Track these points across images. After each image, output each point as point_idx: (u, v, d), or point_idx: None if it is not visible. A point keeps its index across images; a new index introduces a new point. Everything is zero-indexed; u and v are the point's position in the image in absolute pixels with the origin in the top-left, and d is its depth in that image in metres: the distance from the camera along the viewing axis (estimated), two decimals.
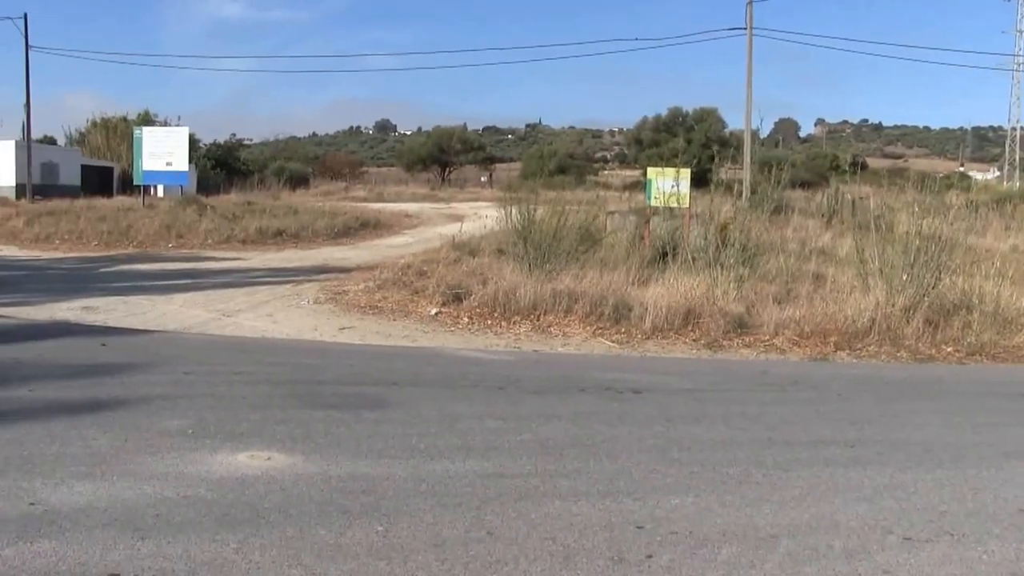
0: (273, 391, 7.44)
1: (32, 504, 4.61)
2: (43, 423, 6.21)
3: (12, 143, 52.76)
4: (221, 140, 76.82)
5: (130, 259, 21.12)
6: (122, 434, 5.96)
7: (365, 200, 43.68)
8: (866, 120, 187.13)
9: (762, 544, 4.43)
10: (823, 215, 28.26)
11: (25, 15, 48.36)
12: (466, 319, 12.33)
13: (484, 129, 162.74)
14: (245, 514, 4.53)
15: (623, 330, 11.80)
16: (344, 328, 11.61)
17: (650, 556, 4.22)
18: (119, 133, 64.24)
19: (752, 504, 5.01)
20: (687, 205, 18.28)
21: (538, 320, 12.19)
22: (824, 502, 5.10)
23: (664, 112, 74.88)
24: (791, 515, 4.87)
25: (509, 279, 13.26)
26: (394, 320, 12.30)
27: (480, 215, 27.94)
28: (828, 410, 7.85)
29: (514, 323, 12.12)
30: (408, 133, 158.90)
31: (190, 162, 35.85)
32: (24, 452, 5.51)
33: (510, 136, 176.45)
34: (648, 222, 18.43)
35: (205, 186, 53.47)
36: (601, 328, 11.89)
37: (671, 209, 18.71)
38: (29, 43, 48.20)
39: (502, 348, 10.78)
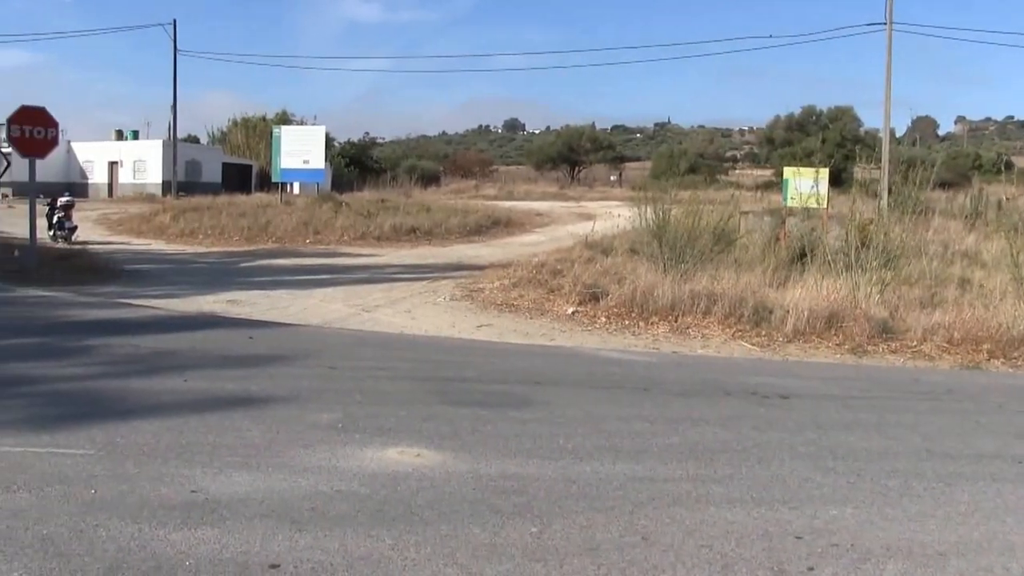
0: (418, 387, 7.49)
1: (194, 492, 4.72)
2: (199, 413, 6.39)
3: (160, 142, 55.02)
4: (355, 139, 78.54)
5: (270, 254, 21.71)
6: (274, 426, 6.07)
7: (495, 198, 43.97)
8: (1011, 117, 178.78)
9: (930, 562, 4.20)
10: (966, 217, 27.12)
11: (174, 21, 50.43)
12: (603, 319, 12.23)
13: (612, 128, 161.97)
14: (399, 510, 4.53)
15: (763, 333, 11.52)
16: (482, 325, 11.65)
17: (811, 569, 4.05)
18: (258, 132, 66.14)
19: (915, 519, 4.77)
20: (826, 206, 17.80)
21: (676, 321, 12.00)
22: (994, 520, 4.81)
23: (797, 111, 73.11)
24: (959, 532, 4.61)
25: (646, 279, 13.10)
26: (531, 318, 12.29)
27: (611, 214, 27.78)
28: (989, 422, 7.45)
29: (652, 324, 11.96)
30: (536, 132, 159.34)
31: (325, 160, 36.65)
32: (183, 440, 5.67)
33: (638, 135, 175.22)
34: (784, 222, 18.01)
35: (339, 184, 54.64)
36: (741, 330, 11.64)
37: (808, 210, 18.25)
38: (177, 47, 50.16)
39: (641, 349, 10.64)
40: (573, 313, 12.51)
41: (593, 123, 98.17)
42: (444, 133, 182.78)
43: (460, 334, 11.04)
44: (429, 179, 61.86)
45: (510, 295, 13.80)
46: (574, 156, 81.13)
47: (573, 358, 9.74)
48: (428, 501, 4.67)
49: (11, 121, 16.72)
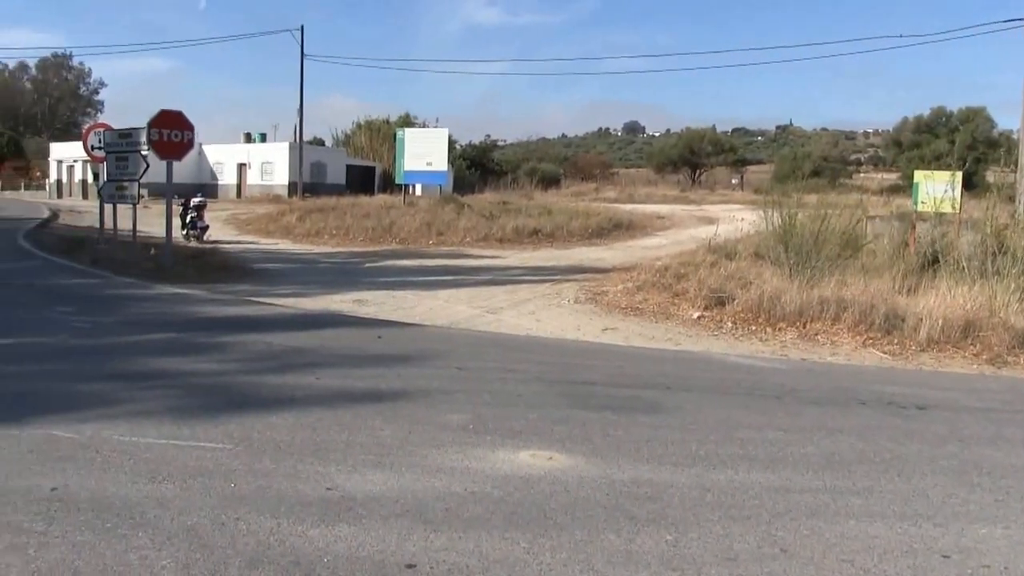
0: (547, 390, 7.46)
1: (329, 489, 4.78)
2: (332, 411, 6.49)
3: (286, 145, 56.48)
4: (476, 141, 79.17)
5: (393, 255, 22.02)
6: (405, 426, 6.12)
7: (616, 201, 43.76)
8: None
9: None
10: None
11: (302, 27, 51.67)
12: (729, 323, 12.01)
13: (733, 131, 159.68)
14: (532, 513, 4.50)
15: (895, 341, 11.13)
16: (607, 329, 11.57)
17: None
18: (381, 134, 67.27)
19: None
20: (959, 210, 17.14)
21: (804, 327, 11.69)
22: None
23: (926, 112, 70.74)
24: None
25: (772, 284, 12.82)
26: (656, 322, 12.15)
27: (733, 218, 27.33)
28: None
29: (779, 329, 11.69)
30: (657, 134, 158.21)
31: (448, 162, 37.02)
32: (317, 438, 5.76)
33: (759, 138, 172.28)
34: (914, 227, 17.39)
35: (461, 185, 55.16)
36: (871, 338, 11.27)
37: (939, 214, 17.59)
38: (304, 52, 51.38)
39: (769, 355, 10.40)
40: (698, 317, 12.32)
41: (714, 126, 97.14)
42: (564, 136, 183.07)
43: (585, 337, 10.98)
44: (549, 181, 61.96)
45: (634, 298, 13.68)
46: (695, 159, 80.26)
47: (701, 363, 9.58)
48: (562, 505, 4.63)
49: (151, 125, 17.36)
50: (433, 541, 4.12)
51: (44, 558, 3.84)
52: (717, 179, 76.89)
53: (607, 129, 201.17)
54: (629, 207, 37.08)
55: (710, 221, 29.07)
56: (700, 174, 79.44)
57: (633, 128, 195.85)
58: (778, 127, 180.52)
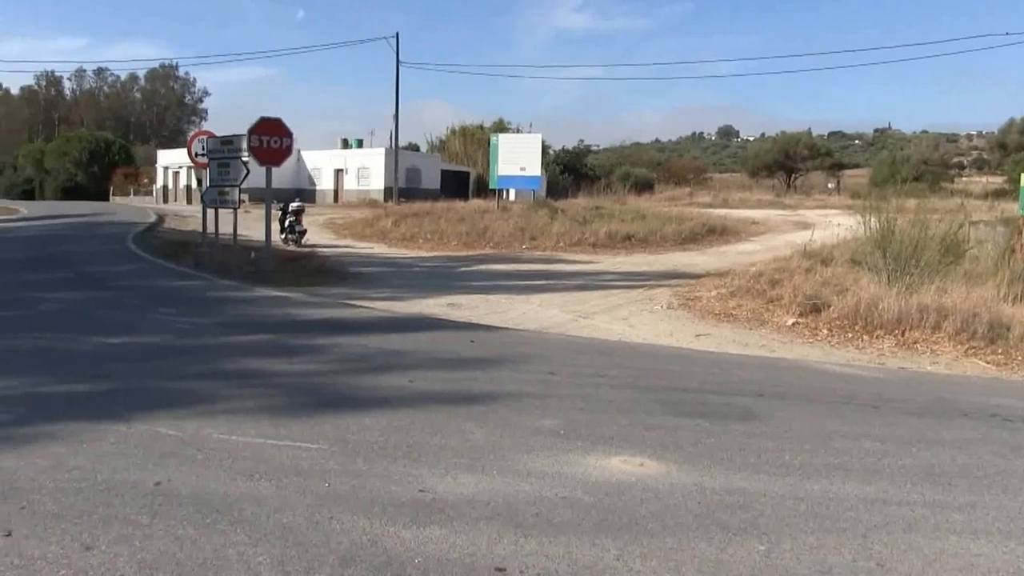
0: (639, 396, 7.42)
1: (421, 491, 4.83)
2: (424, 413, 6.56)
3: (382, 150, 57.34)
4: (569, 146, 79.13)
5: (487, 259, 22.15)
6: (497, 430, 6.15)
7: (709, 206, 43.29)
8: None
9: None
10: None
11: (397, 35, 52.40)
12: (825, 331, 11.79)
13: (830, 134, 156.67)
14: (623, 520, 4.48)
15: (999, 351, 10.78)
16: (700, 335, 11.46)
17: None
18: (475, 140, 67.82)
19: None
20: None
21: (902, 336, 11.41)
22: None
23: None
24: None
25: (869, 291, 12.53)
26: (750, 329, 12.00)
27: (829, 223, 26.80)
28: None
29: (876, 337, 11.43)
30: (751, 139, 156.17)
31: (541, 167, 37.10)
32: (410, 440, 5.82)
33: (857, 141, 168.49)
34: (1021, 233, 16.83)
35: (554, 190, 55.26)
36: (974, 348, 10.94)
37: None
38: (399, 59, 52.05)
39: (866, 363, 10.18)
40: (793, 324, 12.12)
41: (809, 129, 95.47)
42: (657, 140, 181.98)
43: (678, 343, 10.90)
44: (643, 186, 61.67)
45: (728, 304, 13.53)
46: (790, 163, 78.86)
47: (796, 371, 9.43)
48: (652, 512, 4.60)
49: (251, 132, 17.78)
50: (523, 545, 4.13)
51: (149, 549, 3.98)
52: (813, 184, 75.48)
53: (700, 133, 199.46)
54: (723, 212, 36.66)
55: (805, 226, 28.57)
56: (795, 179, 78.04)
57: (727, 132, 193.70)
58: (876, 130, 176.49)
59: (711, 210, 38.00)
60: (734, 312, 12.99)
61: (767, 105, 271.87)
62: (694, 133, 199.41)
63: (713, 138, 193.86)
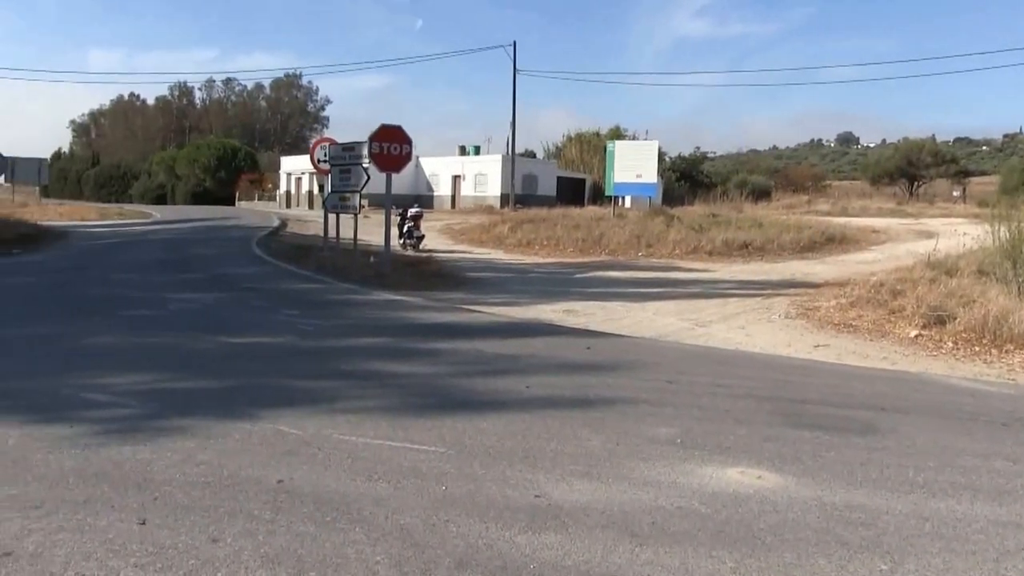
0: (756, 406, 7.30)
1: (537, 496, 4.86)
2: (540, 419, 6.58)
3: (499, 157, 57.81)
4: (685, 153, 78.46)
5: (603, 266, 22.10)
6: (613, 437, 6.13)
7: (828, 214, 42.30)
8: None
9: None
10: None
11: (514, 43, 52.78)
12: (950, 344, 11.38)
13: (955, 140, 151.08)
14: (740, 532, 4.42)
15: None
16: (818, 345, 11.21)
17: None
18: (591, 147, 67.81)
19: None
20: None
21: None
22: None
23: None
24: None
25: (999, 303, 12.04)
26: (870, 340, 11.67)
27: (954, 232, 25.88)
28: None
29: (1006, 352, 10.97)
30: (871, 145, 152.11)
31: (657, 174, 36.86)
32: (526, 445, 5.86)
33: (984, 147, 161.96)
34: None
35: (670, 197, 54.81)
36: None
37: None
38: (516, 67, 52.40)
39: (994, 378, 9.78)
40: (916, 336, 11.74)
41: (933, 135, 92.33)
42: (775, 147, 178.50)
43: (796, 353, 10.67)
44: (760, 194, 60.59)
45: (847, 315, 13.19)
46: (913, 170, 76.36)
47: (919, 384, 9.13)
48: (770, 526, 4.52)
49: (372, 139, 18.14)
50: (639, 555, 4.12)
51: (271, 544, 4.10)
52: (937, 192, 72.82)
53: (819, 140, 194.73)
54: (842, 220, 35.74)
55: (929, 235, 27.65)
56: (918, 186, 75.52)
57: (847, 139, 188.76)
58: (1006, 136, 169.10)
59: (830, 218, 37.12)
60: (854, 323, 12.66)
61: (889, 110, 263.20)
62: (812, 140, 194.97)
63: (832, 145, 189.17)
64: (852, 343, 11.46)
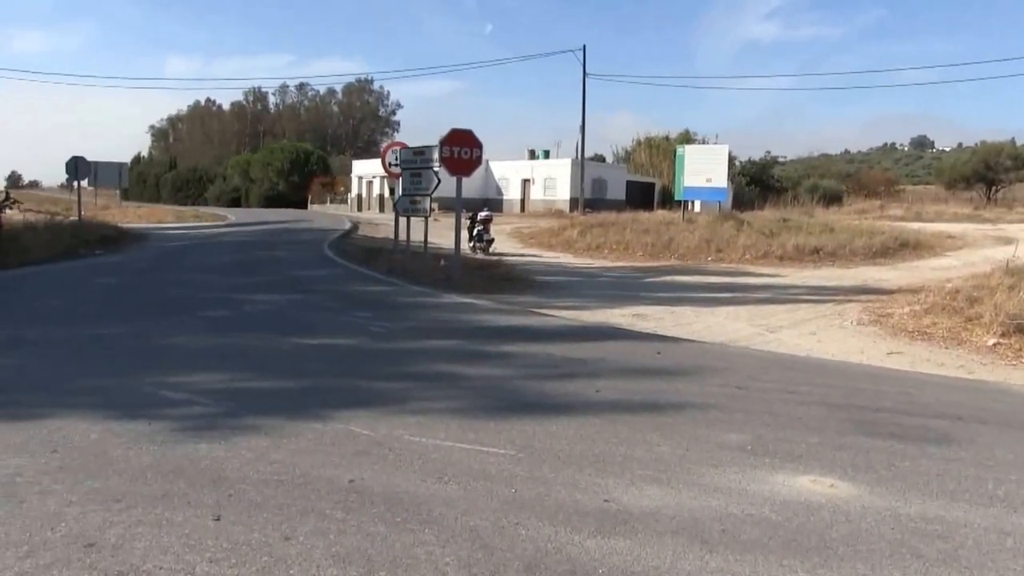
0: (829, 414, 7.19)
1: (606, 501, 4.85)
2: (610, 423, 6.58)
3: (568, 161, 57.92)
4: (755, 157, 77.57)
5: (672, 271, 21.97)
6: (683, 443, 6.10)
7: (902, 219, 41.45)
8: None
9: None
10: None
11: (584, 47, 52.99)
12: None
13: None
14: (812, 541, 4.37)
15: None
16: (892, 353, 11.01)
17: None
18: (660, 151, 67.54)
19: None
20: None
21: None
22: None
23: None
24: None
25: None
26: (946, 348, 11.43)
27: None
28: None
29: None
30: (947, 149, 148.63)
31: (727, 179, 36.55)
32: (596, 450, 5.85)
33: None
34: None
35: (740, 202, 54.36)
36: None
37: None
38: (586, 71, 52.39)
39: None
40: (994, 345, 11.46)
41: (1013, 138, 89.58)
42: (847, 151, 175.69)
43: (869, 361, 10.49)
44: (831, 198, 59.74)
45: (922, 322, 12.92)
46: (991, 175, 74.31)
47: (998, 394, 8.91)
48: (843, 535, 4.46)
49: (443, 143, 18.26)
50: (708, 562, 4.09)
51: (342, 544, 4.16)
52: (1016, 196, 70.73)
53: (892, 144, 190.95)
54: (916, 226, 34.99)
55: (1008, 241, 26.96)
56: (996, 191, 73.50)
57: (921, 143, 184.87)
58: None
59: (903, 223, 36.36)
60: (928, 330, 12.40)
61: (965, 113, 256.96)
62: (885, 144, 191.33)
63: (906, 149, 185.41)
64: (927, 351, 11.24)
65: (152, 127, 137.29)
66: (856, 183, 78.95)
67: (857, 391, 8.45)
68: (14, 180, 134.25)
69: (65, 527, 4.32)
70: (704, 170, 33.24)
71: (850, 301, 15.56)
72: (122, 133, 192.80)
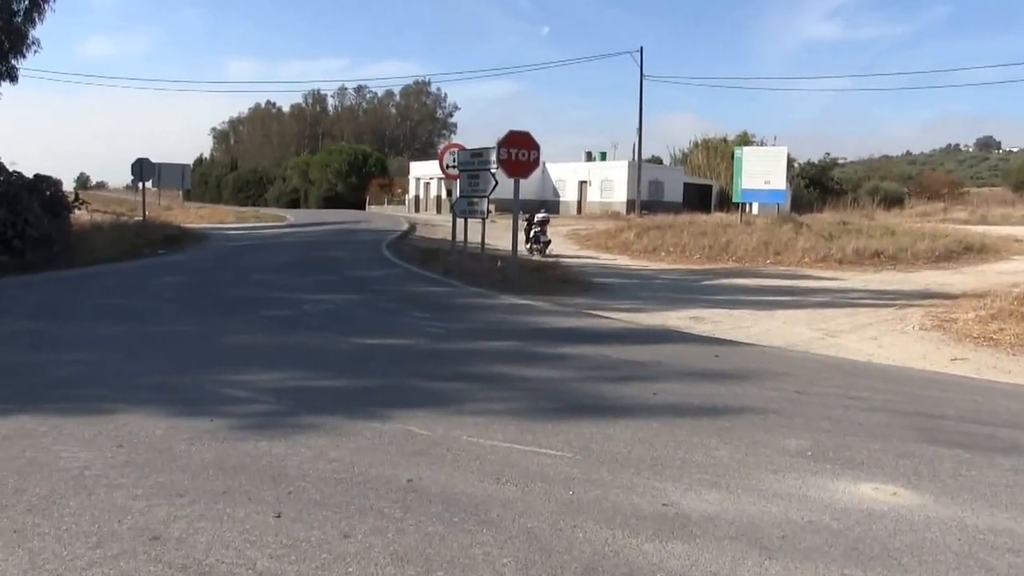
0: (891, 421, 7.07)
1: (665, 505, 4.82)
2: (668, 427, 6.54)
3: (625, 163, 57.79)
4: (814, 159, 76.44)
5: (729, 273, 21.80)
6: (742, 447, 6.05)
7: (966, 222, 40.70)
8: None
9: None
10: None
11: (641, 48, 52.59)
12: None
13: None
14: (874, 550, 4.29)
15: None
16: (956, 359, 10.79)
17: None
18: (718, 152, 67.02)
19: None
20: None
21: None
22: None
23: None
24: None
25: None
26: (1013, 355, 11.16)
27: None
28: None
29: None
30: (1014, 150, 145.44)
31: (786, 181, 36.20)
32: (654, 453, 5.82)
33: None
34: None
35: (799, 204, 53.82)
36: None
37: None
38: (643, 73, 52.19)
39: None
40: None
41: None
42: (908, 153, 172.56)
43: (932, 367, 10.29)
44: (892, 201, 58.90)
45: (987, 328, 12.65)
46: None
47: None
48: (907, 545, 4.38)
49: (500, 144, 18.32)
50: (768, 568, 4.05)
51: (400, 543, 4.19)
52: None
53: (956, 145, 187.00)
54: (981, 229, 34.31)
55: None
56: None
57: (987, 144, 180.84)
58: None
59: (968, 227, 35.70)
60: (995, 336, 12.13)
61: None
62: (949, 145, 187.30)
63: (971, 150, 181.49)
64: (993, 357, 11.01)
65: (214, 129, 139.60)
66: (918, 185, 77.74)
67: (920, 398, 8.31)
68: (83, 181, 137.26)
69: (131, 520, 4.41)
70: (762, 172, 33.01)
71: (912, 306, 15.29)
72: (185, 135, 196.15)
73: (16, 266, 19.20)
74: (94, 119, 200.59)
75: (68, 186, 31.60)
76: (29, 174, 22.83)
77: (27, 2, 21.89)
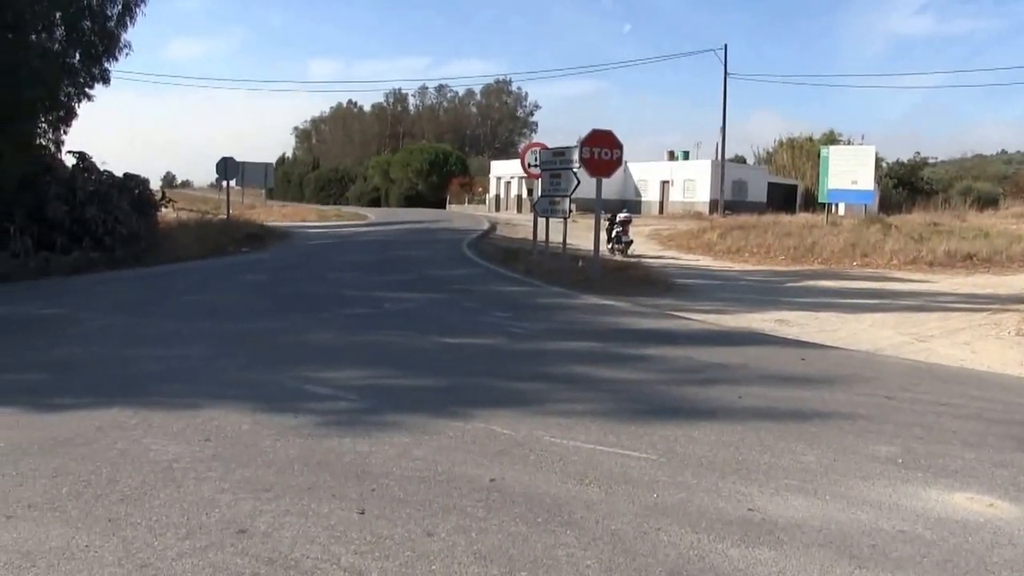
0: (986, 429, 6.84)
1: (750, 510, 4.74)
2: (753, 430, 6.44)
3: (708, 163, 57.23)
4: (903, 158, 74.64)
5: (815, 275, 21.44)
6: (830, 453, 5.92)
7: None
8: None
9: None
10: None
11: (725, 46, 52.04)
12: None
13: None
14: (970, 564, 4.14)
15: None
16: None
17: None
18: (803, 152, 65.95)
19: None
20: None
21: None
22: None
23: None
24: None
25: None
26: None
27: None
28: None
29: None
30: None
31: (873, 181, 35.46)
32: (739, 457, 5.74)
33: None
34: None
35: (887, 205, 52.67)
36: None
37: None
38: (727, 71, 51.63)
39: None
40: None
41: None
42: (1003, 152, 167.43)
43: None
44: (986, 202, 57.18)
45: None
46: None
47: None
48: (1006, 560, 4.21)
49: (583, 144, 18.29)
50: None
51: (483, 542, 4.19)
52: None
53: None
54: None
55: None
56: None
57: None
58: None
59: None
60: None
61: None
62: None
63: None
64: None
65: (296, 128, 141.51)
66: (1014, 185, 75.32)
67: (1018, 406, 8.05)
68: (168, 180, 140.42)
69: (219, 513, 4.50)
70: (849, 172, 32.40)
71: (1007, 310, 14.82)
72: (268, 134, 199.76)
73: (106, 262, 19.79)
74: (179, 118, 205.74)
75: (155, 184, 32.48)
76: (118, 173, 23.48)
77: (120, 7, 22.42)
